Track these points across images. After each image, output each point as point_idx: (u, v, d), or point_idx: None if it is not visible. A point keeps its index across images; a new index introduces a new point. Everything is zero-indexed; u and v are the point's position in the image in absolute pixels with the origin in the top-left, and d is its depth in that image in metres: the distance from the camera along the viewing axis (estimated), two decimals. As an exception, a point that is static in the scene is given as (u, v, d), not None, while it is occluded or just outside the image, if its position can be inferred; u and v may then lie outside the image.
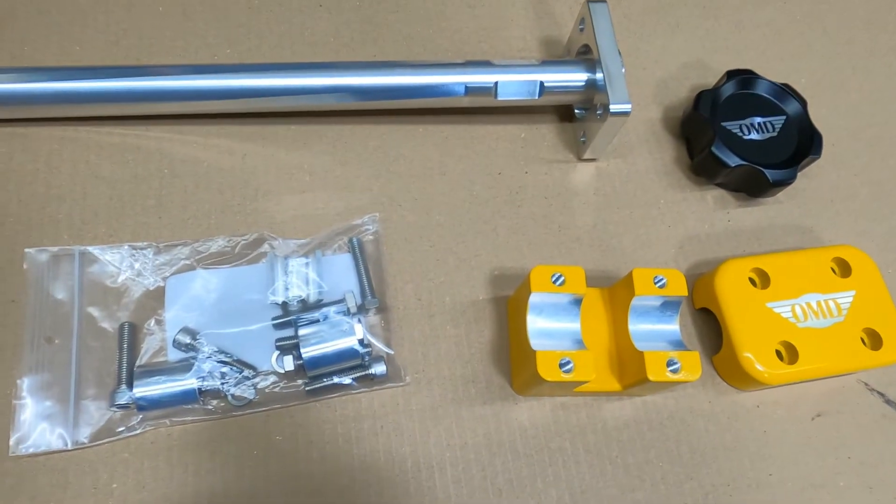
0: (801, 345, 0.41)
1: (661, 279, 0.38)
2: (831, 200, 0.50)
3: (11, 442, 0.34)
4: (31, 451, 0.35)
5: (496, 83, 0.44)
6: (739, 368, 0.41)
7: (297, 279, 0.40)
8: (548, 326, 0.38)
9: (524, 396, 0.41)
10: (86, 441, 0.35)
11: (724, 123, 0.47)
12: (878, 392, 0.44)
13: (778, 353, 0.41)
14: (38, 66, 0.44)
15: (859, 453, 0.42)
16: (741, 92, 0.48)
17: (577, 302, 0.38)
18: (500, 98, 0.45)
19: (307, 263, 0.41)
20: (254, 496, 0.36)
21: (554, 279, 0.37)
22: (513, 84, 0.45)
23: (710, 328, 0.44)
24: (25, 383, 0.36)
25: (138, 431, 0.36)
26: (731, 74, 0.48)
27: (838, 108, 0.53)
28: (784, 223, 0.48)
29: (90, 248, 0.39)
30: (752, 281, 0.43)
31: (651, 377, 0.36)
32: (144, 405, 0.36)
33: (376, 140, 0.47)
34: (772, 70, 0.51)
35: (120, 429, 0.36)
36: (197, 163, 0.44)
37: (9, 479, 0.34)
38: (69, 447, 0.35)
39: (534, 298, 0.37)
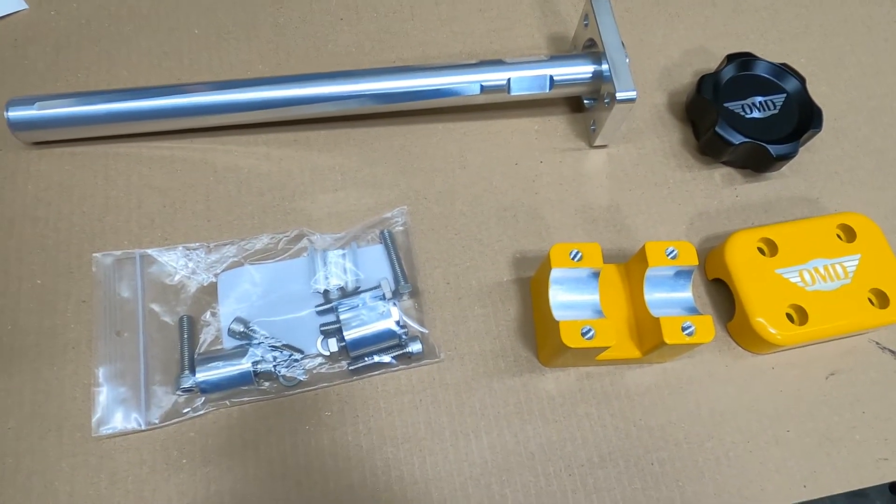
0: (811, 307, 0.43)
1: (673, 251, 0.41)
2: (835, 172, 0.52)
3: (93, 424, 0.39)
4: (110, 432, 0.39)
5: (509, 79, 0.48)
6: (753, 333, 0.43)
7: (336, 269, 0.44)
8: (569, 299, 0.41)
9: (550, 368, 0.44)
10: (157, 422, 0.39)
11: (726, 104, 0.50)
12: (890, 350, 0.46)
13: (789, 316, 0.43)
14: (90, 90, 0.48)
15: (873, 408, 0.44)
16: (741, 74, 0.51)
17: (595, 275, 0.41)
18: (513, 93, 0.48)
19: (344, 255, 0.44)
20: (308, 467, 0.40)
21: (572, 255, 0.40)
22: (524, 80, 0.48)
23: (723, 297, 0.47)
24: (101, 372, 0.40)
25: (202, 412, 0.40)
26: (731, 58, 0.51)
27: (838, 84, 0.55)
28: (790, 195, 0.51)
29: (149, 251, 0.44)
30: (760, 251, 0.45)
31: (668, 340, 0.39)
32: (207, 388, 0.40)
33: (400, 139, 0.50)
34: (772, 51, 0.53)
35: (186, 410, 0.40)
36: (238, 169, 0.48)
37: (92, 458, 0.39)
38: (143, 427, 0.39)
39: (554, 274, 0.41)
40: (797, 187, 0.51)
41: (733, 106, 0.50)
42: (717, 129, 0.48)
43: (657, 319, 0.39)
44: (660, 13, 0.58)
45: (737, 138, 0.48)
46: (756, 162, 0.50)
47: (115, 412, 0.39)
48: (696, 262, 0.41)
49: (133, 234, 0.45)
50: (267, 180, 0.48)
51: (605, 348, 0.39)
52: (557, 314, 0.40)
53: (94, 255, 0.43)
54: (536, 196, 0.49)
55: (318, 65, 0.52)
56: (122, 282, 0.43)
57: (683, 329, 0.39)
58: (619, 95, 0.45)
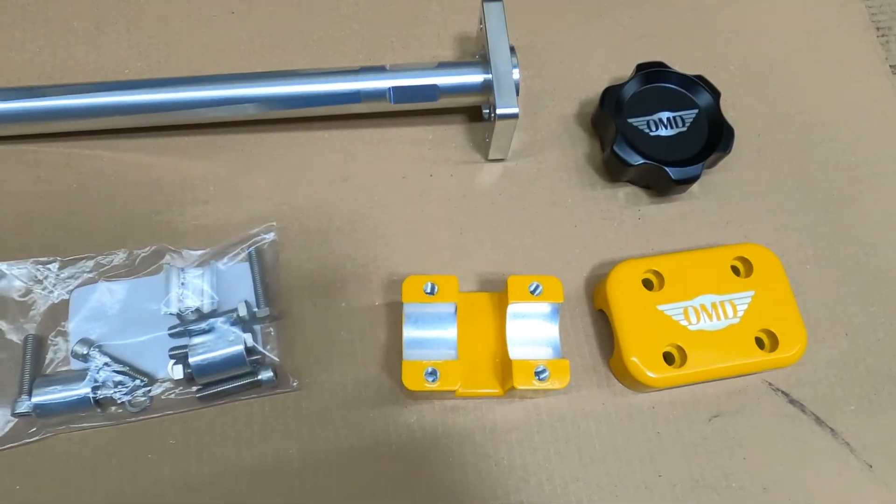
0: (691, 348, 0.40)
1: (537, 286, 0.38)
2: (749, 195, 0.48)
3: (-81, 448, 0.38)
4: (-62, 457, 0.38)
5: (390, 88, 0.44)
6: (628, 372, 0.41)
7: (192, 290, 0.42)
8: (423, 335, 0.39)
9: (415, 400, 0.42)
10: (-9, 446, 0.38)
11: (630, 119, 0.46)
12: (783, 391, 0.44)
13: (668, 355, 0.41)
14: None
15: (756, 453, 0.42)
16: (652, 86, 0.47)
17: (452, 311, 0.39)
18: (395, 103, 0.45)
19: (202, 274, 0.42)
20: (147, 497, 0.38)
21: (427, 289, 0.38)
22: (407, 89, 0.44)
23: (608, 330, 0.44)
24: (-69, 396, 0.39)
25: (38, 438, 0.39)
26: (640, 67, 0.47)
27: (766, 96, 0.51)
28: (697, 219, 0.47)
29: (-2, 264, 0.42)
30: (647, 283, 0.43)
31: (517, 384, 0.36)
32: (42, 412, 0.38)
33: (282, 148, 0.48)
34: (698, 58, 0.49)
35: (22, 436, 0.38)
36: (104, 177, 0.46)
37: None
38: (-26, 453, 0.38)
39: (407, 309, 0.38)
40: (706, 209, 0.48)
41: (638, 122, 0.46)
42: (615, 147, 0.45)
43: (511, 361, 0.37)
44: (580, 10, 0.53)
45: (635, 159, 0.45)
46: (657, 184, 0.46)
47: (-56, 437, 0.38)
48: (562, 300, 0.38)
49: (-18, 244, 0.43)
50: (134, 189, 0.45)
51: (451, 391, 0.36)
52: (408, 353, 0.38)
53: (-63, 266, 0.41)
54: (422, 213, 0.46)
55: (203, 64, 0.49)
56: (-32, 296, 0.41)
57: (537, 373, 0.37)
58: (499, 111, 0.42)
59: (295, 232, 0.45)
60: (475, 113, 0.49)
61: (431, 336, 0.39)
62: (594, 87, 0.51)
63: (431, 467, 0.40)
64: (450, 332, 0.39)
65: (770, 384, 0.44)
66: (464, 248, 0.46)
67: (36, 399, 0.38)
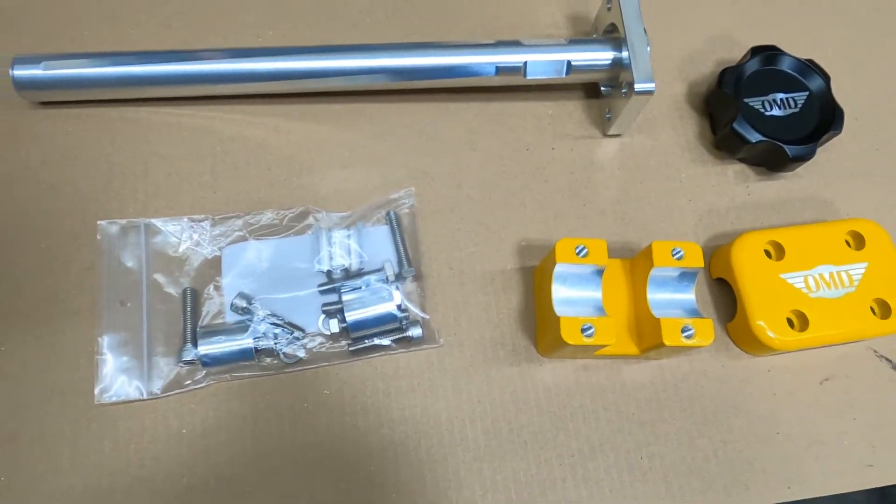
0: (812, 314, 0.43)
1: (679, 251, 0.41)
2: (851, 174, 0.51)
3: (96, 392, 0.39)
4: (112, 399, 0.39)
5: (525, 63, 0.46)
6: (752, 335, 0.43)
7: (340, 249, 0.44)
8: (571, 295, 0.41)
9: (548, 359, 0.44)
10: (158, 392, 0.40)
11: (746, 100, 0.48)
12: (886, 358, 0.47)
13: (789, 321, 0.44)
14: (97, 50, 0.47)
15: (864, 415, 0.45)
16: (765, 68, 0.50)
17: (599, 272, 0.41)
18: (529, 77, 0.47)
19: (349, 235, 0.44)
20: (305, 444, 0.41)
21: (578, 251, 0.40)
22: (541, 63, 0.47)
23: (725, 297, 0.47)
24: (105, 341, 0.40)
25: (203, 385, 0.41)
26: (755, 51, 0.49)
27: (864, 80, 0.54)
28: (803, 197, 0.50)
29: (154, 221, 0.43)
30: (767, 253, 0.45)
31: (667, 342, 0.39)
32: (208, 361, 0.40)
33: (411, 118, 0.50)
34: (799, 43, 0.52)
35: (187, 382, 0.40)
36: (245, 140, 0.47)
37: (94, 424, 0.39)
38: (144, 397, 0.40)
39: (558, 269, 0.40)
40: (811, 188, 0.50)
41: (753, 102, 0.49)
42: (735, 125, 0.47)
43: (657, 320, 0.39)
44: (685, -3, 0.56)
45: (754, 136, 0.47)
46: (771, 161, 0.49)
47: (117, 381, 0.40)
48: (702, 265, 0.41)
49: (139, 202, 0.45)
50: (274, 153, 0.47)
51: (604, 346, 0.39)
52: (559, 310, 0.40)
53: (100, 222, 0.43)
54: (546, 184, 0.49)
55: (329, 32, 0.51)
56: (126, 250, 0.43)
57: (683, 331, 0.39)
58: (637, 87, 0.44)
59: (428, 198, 0.47)
60: (592, 89, 0.52)
61: (580, 296, 0.41)
62: (700, 69, 0.53)
63: (569, 420, 0.43)
64: (596, 292, 0.41)
65: (875, 351, 0.47)
66: (587, 218, 0.48)
67: (202, 348, 0.40)
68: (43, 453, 0.39)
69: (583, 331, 0.38)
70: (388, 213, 0.46)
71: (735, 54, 0.53)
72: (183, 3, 0.51)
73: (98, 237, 0.43)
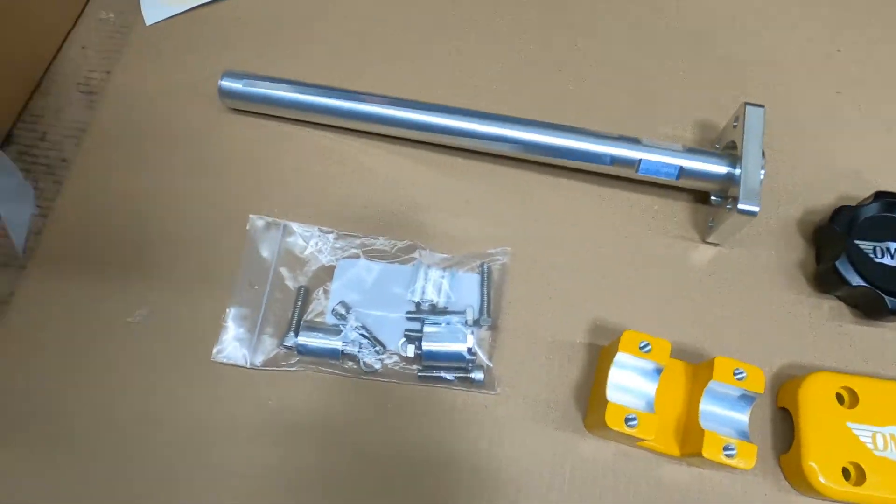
0: (872, 471, 0.42)
1: (742, 372, 0.42)
2: (960, 341, 0.49)
3: (213, 351, 0.48)
4: (223, 360, 0.48)
5: (640, 160, 0.50)
6: (802, 474, 0.43)
7: (433, 286, 0.50)
8: (627, 384, 0.44)
9: (593, 436, 0.47)
10: (258, 364, 0.48)
11: (857, 241, 0.48)
12: (952, 542, 0.44)
13: (846, 470, 0.43)
14: (289, 75, 0.56)
15: (910, 592, 0.43)
16: (885, 215, 0.49)
17: (658, 370, 0.43)
18: (640, 173, 0.51)
19: (444, 276, 0.50)
20: (363, 444, 0.46)
21: (641, 345, 0.43)
22: (654, 164, 0.50)
23: (786, 427, 0.47)
24: (231, 312, 0.49)
25: (293, 369, 0.48)
26: (879, 195, 0.49)
27: None
28: (898, 350, 0.49)
29: (291, 224, 0.52)
30: (839, 397, 0.45)
31: (705, 454, 0.40)
32: (302, 351, 0.48)
33: (524, 184, 0.55)
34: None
35: (282, 363, 0.48)
36: (379, 174, 0.55)
37: (207, 376, 0.48)
38: (247, 365, 0.48)
39: (620, 357, 0.43)
40: (910, 344, 0.49)
41: (864, 245, 0.48)
42: (838, 264, 0.47)
43: (703, 429, 0.41)
44: (824, 126, 0.56)
45: (856, 279, 0.47)
46: (870, 308, 0.48)
47: (231, 346, 0.48)
48: (762, 391, 0.42)
49: (283, 205, 0.54)
50: (400, 190, 0.54)
51: (644, 440, 0.41)
52: (611, 394, 0.43)
53: (251, 216, 0.52)
54: (635, 273, 0.52)
55: (477, 98, 0.57)
56: (265, 243, 0.52)
57: (725, 449, 0.40)
58: (741, 206, 0.46)
59: (522, 259, 0.52)
60: (701, 194, 0.54)
61: (634, 387, 0.44)
62: (819, 199, 0.54)
63: (597, 499, 0.45)
64: (650, 388, 0.44)
65: (940, 530, 0.44)
66: (666, 316, 0.50)
67: (300, 339, 0.47)
68: (162, 390, 0.48)
69: (626, 420, 0.41)
70: (482, 265, 0.51)
71: (859, 191, 0.52)
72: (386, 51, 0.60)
73: (247, 227, 0.52)
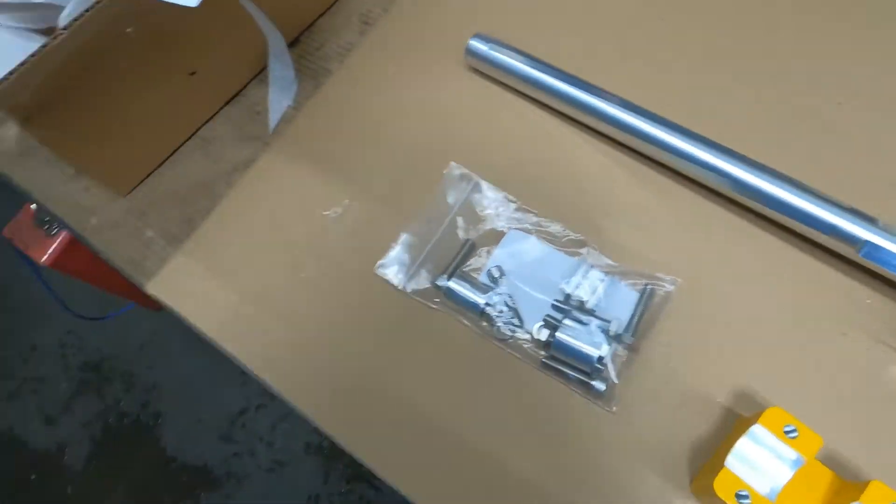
0: None
1: (900, 509, 0.36)
2: None
3: (377, 264, 0.53)
4: (381, 274, 0.53)
5: (866, 241, 0.44)
6: None
7: (589, 286, 0.49)
8: (754, 460, 0.40)
9: (695, 500, 0.43)
10: (408, 291, 0.52)
11: None
12: None
13: None
14: (533, 55, 0.59)
15: None
16: None
17: (797, 462, 0.39)
18: (862, 256, 0.45)
19: (603, 280, 0.49)
20: (474, 397, 0.48)
21: (787, 429, 0.39)
22: (883, 251, 0.44)
23: None
24: (402, 238, 0.54)
25: (434, 308, 0.51)
26: None
27: None
28: None
29: (482, 182, 0.55)
30: None
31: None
32: (447, 294, 0.50)
33: (723, 223, 0.51)
34: None
35: (427, 299, 0.52)
36: (579, 166, 0.56)
37: (364, 283, 0.53)
38: (399, 287, 0.52)
39: (756, 429, 0.39)
40: None
41: None
42: None
43: (824, 547, 0.36)
44: None
45: None
46: None
47: (392, 267, 0.53)
48: (917, 541, 0.35)
49: (484, 164, 0.56)
50: (592, 185, 0.54)
51: (746, 522, 0.37)
52: (730, 462, 0.39)
53: (452, 162, 0.56)
54: (811, 358, 0.46)
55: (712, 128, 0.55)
56: (454, 190, 0.55)
57: (843, 579, 0.35)
58: (976, 332, 0.38)
59: (687, 296, 0.49)
60: (932, 308, 0.46)
61: (762, 466, 0.39)
62: None
63: (673, 561, 0.42)
64: (781, 476, 0.39)
65: None
66: (830, 417, 0.44)
67: (451, 284, 0.50)
68: (325, 283, 0.54)
69: (737, 495, 0.37)
70: (645, 285, 0.49)
71: None
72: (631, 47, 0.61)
73: (444, 172, 0.56)
